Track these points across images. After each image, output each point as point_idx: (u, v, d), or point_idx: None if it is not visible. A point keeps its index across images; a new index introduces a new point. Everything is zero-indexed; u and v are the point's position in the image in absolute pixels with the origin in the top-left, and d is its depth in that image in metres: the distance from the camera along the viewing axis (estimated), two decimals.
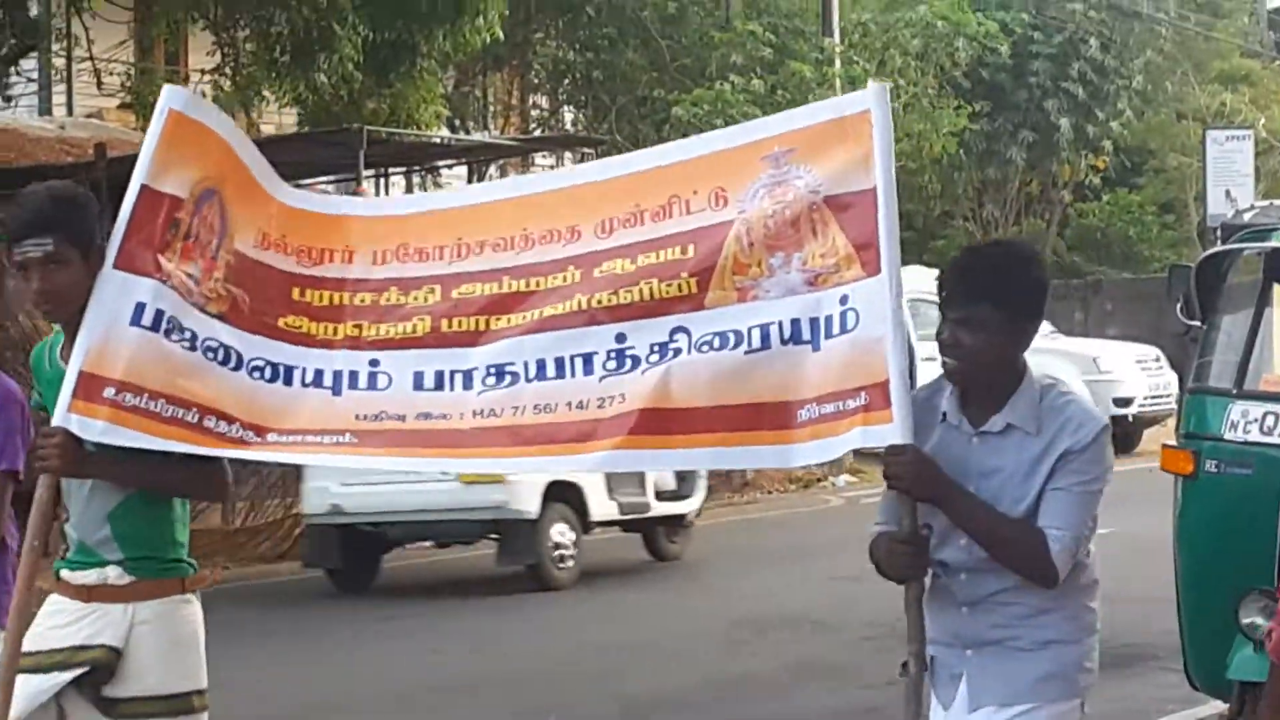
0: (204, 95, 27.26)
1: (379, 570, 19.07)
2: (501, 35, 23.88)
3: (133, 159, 19.26)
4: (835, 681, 12.57)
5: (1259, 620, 8.87)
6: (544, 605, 17.25)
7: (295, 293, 5.20)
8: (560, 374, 4.88)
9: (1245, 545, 9.14)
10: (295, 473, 21.76)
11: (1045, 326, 32.12)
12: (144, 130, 23.34)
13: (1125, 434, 29.54)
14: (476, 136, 28.75)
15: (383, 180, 24.84)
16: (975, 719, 4.66)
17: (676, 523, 20.27)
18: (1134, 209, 39.77)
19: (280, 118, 25.54)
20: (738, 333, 4.71)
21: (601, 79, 29.49)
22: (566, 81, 31.09)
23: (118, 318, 4.93)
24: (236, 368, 5.06)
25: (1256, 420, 9.40)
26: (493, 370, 4.92)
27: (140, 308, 4.94)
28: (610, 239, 5.09)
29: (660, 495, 19.04)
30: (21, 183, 22.53)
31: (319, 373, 5.12)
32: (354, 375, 5.09)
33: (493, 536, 18.47)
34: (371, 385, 5.04)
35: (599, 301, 4.89)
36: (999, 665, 4.63)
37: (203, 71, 26.65)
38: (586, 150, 29.40)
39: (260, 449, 5.11)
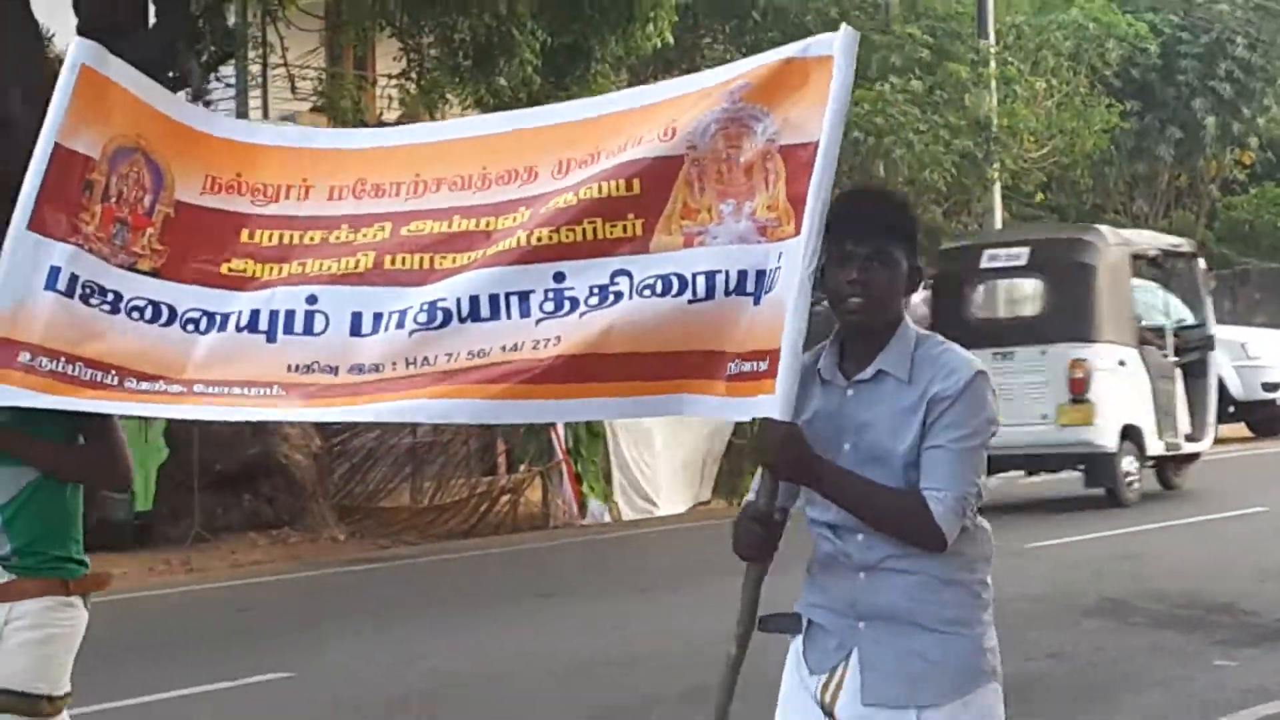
0: (391, 99, 27.73)
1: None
2: (671, 40, 23.97)
3: None
4: (1001, 652, 12.43)
5: None
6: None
7: (244, 235, 5.03)
8: (495, 314, 4.66)
9: None
10: (480, 454, 22.06)
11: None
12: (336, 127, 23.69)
13: (1273, 417, 29.31)
14: None
15: None
16: (878, 716, 4.29)
17: (1187, 460, 22.95)
18: None
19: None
20: (682, 278, 4.49)
21: None
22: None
23: (31, 282, 4.83)
24: (168, 323, 4.90)
25: None
26: (425, 306, 4.68)
27: (55, 272, 4.84)
28: (565, 179, 4.85)
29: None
30: None
31: (254, 314, 4.88)
32: (290, 316, 4.86)
33: (1078, 467, 21.45)
34: (308, 329, 4.82)
35: (539, 239, 4.67)
36: (900, 647, 4.26)
37: (389, 76, 26.93)
38: None
39: (182, 402, 4.92)
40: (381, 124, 27.65)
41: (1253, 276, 38.86)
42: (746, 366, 4.32)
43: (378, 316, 4.70)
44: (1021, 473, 22.56)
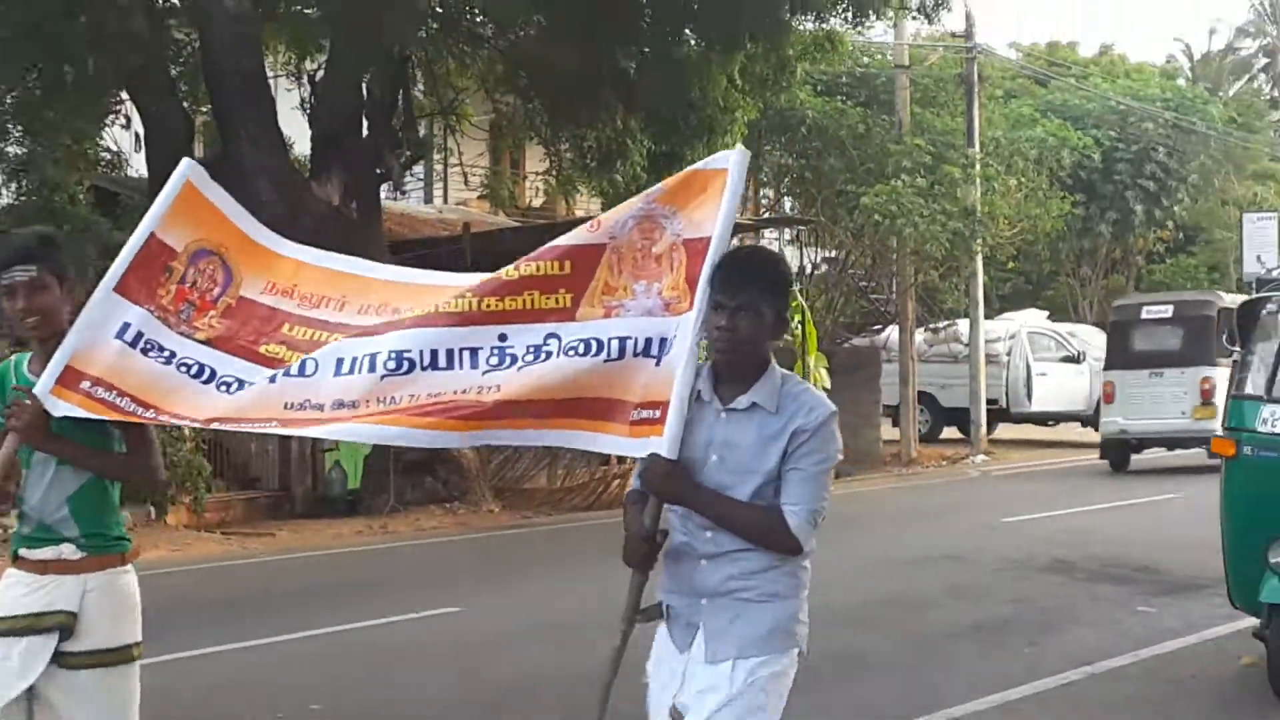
0: (537, 190, 27.78)
1: (1130, 461, 24.98)
2: (743, 148, 23.98)
3: (489, 234, 19.86)
4: (977, 601, 12.50)
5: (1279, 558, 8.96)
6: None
7: (285, 328, 4.94)
8: (450, 365, 4.58)
9: (1273, 507, 9.13)
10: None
11: None
12: (500, 215, 23.77)
13: None
14: None
15: None
16: (715, 672, 4.24)
17: None
18: (1190, 269, 39.23)
19: (589, 205, 25.75)
20: (600, 342, 4.43)
21: (811, 178, 29.40)
22: (786, 179, 30.98)
23: (104, 330, 4.81)
24: (207, 381, 4.83)
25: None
26: (393, 355, 4.59)
27: (125, 326, 4.82)
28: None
29: None
30: (415, 251, 22.98)
31: (270, 377, 4.83)
32: (287, 366, 4.80)
33: (1200, 447, 21.31)
34: (301, 372, 4.71)
35: (487, 305, 4.60)
36: (731, 616, 4.23)
37: (536, 173, 26.89)
38: (801, 227, 29.43)
39: (195, 424, 4.95)
40: (530, 209, 27.76)
41: None
42: (645, 414, 4.30)
43: (355, 360, 4.62)
44: (1165, 449, 25.19)
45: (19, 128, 19.76)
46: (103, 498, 4.91)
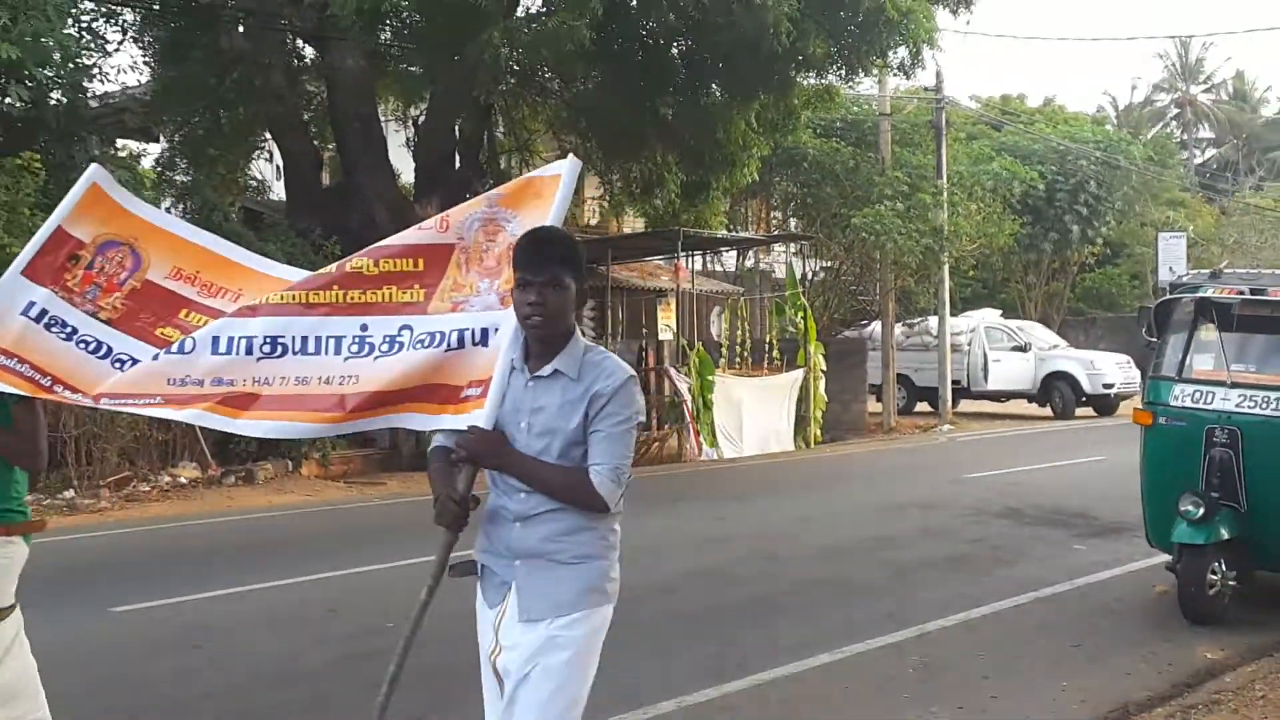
0: (594, 211, 27.76)
1: None
2: (757, 178, 23.94)
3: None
4: (944, 540, 12.41)
5: (1189, 507, 8.93)
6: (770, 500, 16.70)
7: (183, 313, 4.63)
8: (318, 350, 4.29)
9: (1181, 465, 9.19)
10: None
11: (1061, 340, 31.53)
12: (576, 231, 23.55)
13: (1109, 405, 29.06)
14: (742, 234, 28.65)
15: (689, 258, 24.93)
16: (530, 630, 3.88)
17: None
18: (1115, 278, 39.04)
19: (635, 223, 25.74)
20: (443, 334, 4.17)
21: (811, 203, 29.29)
22: (791, 204, 30.88)
23: (12, 308, 4.54)
24: (104, 357, 4.53)
25: (1189, 395, 9.43)
26: (267, 339, 4.30)
27: (30, 304, 4.56)
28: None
29: None
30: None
31: (153, 352, 4.52)
32: (169, 345, 4.50)
33: None
34: (180, 349, 4.39)
35: (351, 298, 4.33)
36: (544, 576, 3.89)
37: (593, 197, 26.87)
38: (803, 242, 29.34)
39: (86, 401, 4.57)
40: (587, 226, 27.76)
41: (1098, 321, 38.68)
42: (472, 391, 4.04)
43: (230, 339, 4.34)
44: None
45: (185, 160, 19.93)
46: (2, 475, 4.69)
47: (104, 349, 4.56)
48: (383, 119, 20.77)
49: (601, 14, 15.92)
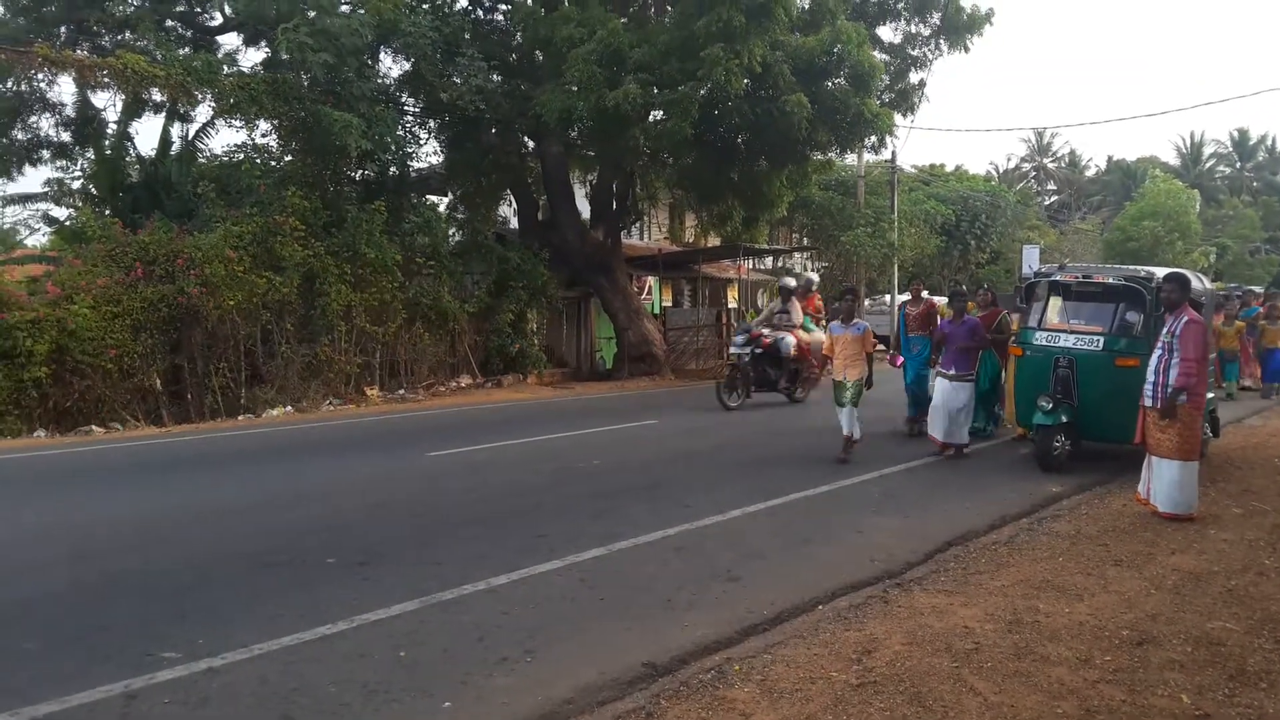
0: (691, 234, 27.44)
1: None
2: (785, 213, 23.47)
3: (671, 253, 18.94)
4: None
5: (1043, 403, 8.65)
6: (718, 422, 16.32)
7: None
8: None
9: (1038, 378, 8.92)
10: (717, 350, 21.61)
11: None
12: (676, 246, 23.00)
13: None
14: (776, 247, 28.00)
15: (746, 261, 24.55)
16: None
17: None
18: (996, 272, 37.62)
19: (714, 240, 25.43)
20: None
21: (816, 229, 28.71)
22: (805, 229, 30.17)
23: None
24: None
25: (1044, 337, 9.14)
26: None
27: None
28: None
29: None
30: (636, 262, 22.44)
31: None
32: None
33: None
34: None
35: None
36: None
37: (691, 225, 26.67)
38: (811, 251, 28.71)
39: None
40: (686, 243, 27.49)
41: (998, 298, 37.26)
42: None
43: None
44: None
45: (463, 206, 20.11)
46: None
47: None
48: (572, 181, 20.69)
49: (697, 119, 15.67)
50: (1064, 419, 8.58)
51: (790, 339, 13.60)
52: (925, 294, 12.20)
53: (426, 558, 5.63)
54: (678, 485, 8.02)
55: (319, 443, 10.64)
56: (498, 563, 5.51)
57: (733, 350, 13.75)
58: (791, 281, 14.47)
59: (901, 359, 11.44)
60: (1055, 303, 9.27)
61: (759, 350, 13.52)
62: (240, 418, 13.56)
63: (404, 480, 8.15)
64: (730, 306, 24.63)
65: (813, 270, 29.49)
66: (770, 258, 29.55)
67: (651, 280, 23.83)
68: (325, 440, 10.89)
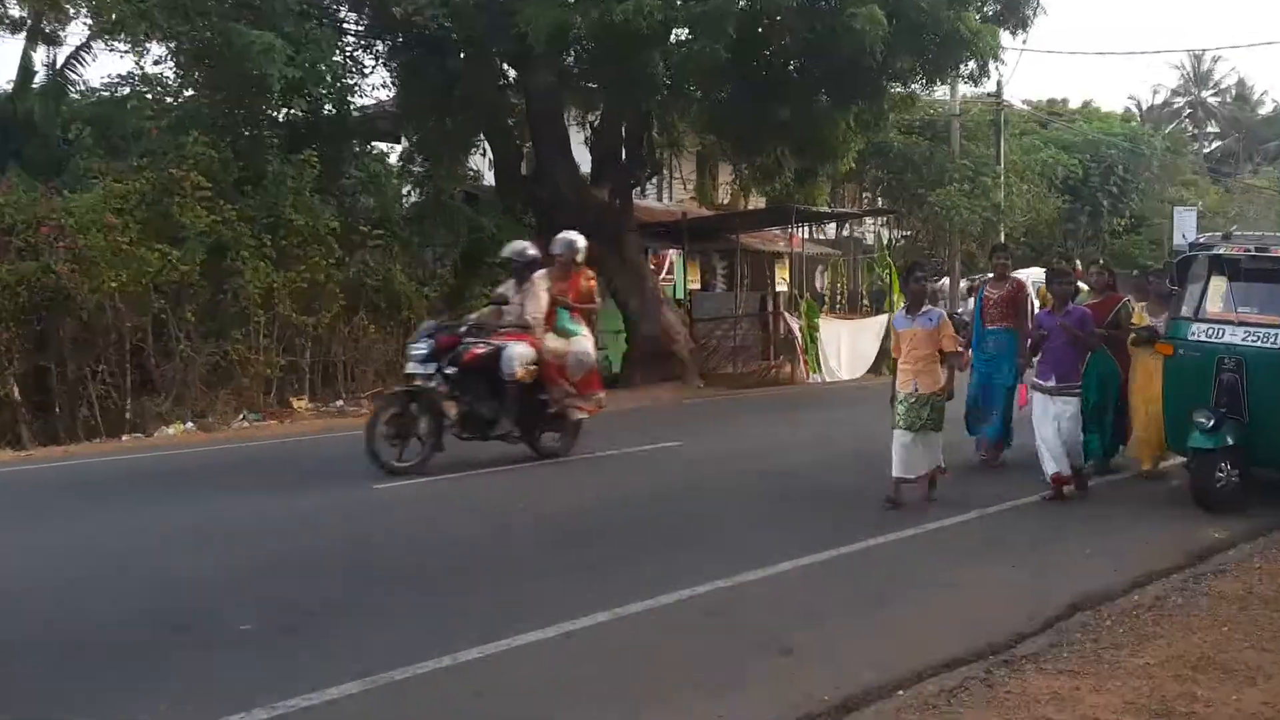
0: (726, 193, 27.57)
1: None
2: (853, 166, 23.54)
3: (697, 219, 19.30)
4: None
5: (1202, 420, 8.63)
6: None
7: None
8: None
9: (1195, 386, 8.91)
10: (760, 350, 21.63)
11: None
12: (702, 209, 23.34)
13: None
14: (841, 210, 28.20)
15: (800, 229, 24.66)
16: None
17: None
18: (1138, 244, 37.73)
19: (758, 201, 25.53)
20: None
21: (895, 185, 28.94)
22: (880, 186, 30.47)
23: None
24: None
25: (1203, 331, 9.14)
26: None
27: None
28: None
29: None
30: (653, 228, 22.72)
31: None
32: None
33: None
34: None
35: None
36: None
37: (725, 182, 26.76)
38: (889, 215, 28.82)
39: None
40: (721, 205, 27.57)
41: (1120, 278, 37.27)
42: None
43: None
44: None
45: (422, 156, 20.27)
46: None
47: None
48: (567, 123, 20.79)
49: (734, 38, 15.69)
50: (1230, 440, 8.51)
51: (521, 348, 10.16)
52: (1012, 270, 11.08)
53: (373, 623, 5.64)
54: (708, 525, 8.04)
55: (230, 470, 10.66)
56: (467, 629, 5.48)
57: (410, 368, 10.14)
58: (528, 248, 10.76)
59: (969, 355, 10.41)
60: (1218, 284, 9.20)
61: (457, 368, 10.01)
62: (125, 437, 13.68)
63: (342, 521, 8.17)
64: (779, 290, 24.69)
65: (891, 239, 29.54)
66: (833, 224, 29.61)
67: (674, 255, 23.91)
68: (238, 467, 10.91)
